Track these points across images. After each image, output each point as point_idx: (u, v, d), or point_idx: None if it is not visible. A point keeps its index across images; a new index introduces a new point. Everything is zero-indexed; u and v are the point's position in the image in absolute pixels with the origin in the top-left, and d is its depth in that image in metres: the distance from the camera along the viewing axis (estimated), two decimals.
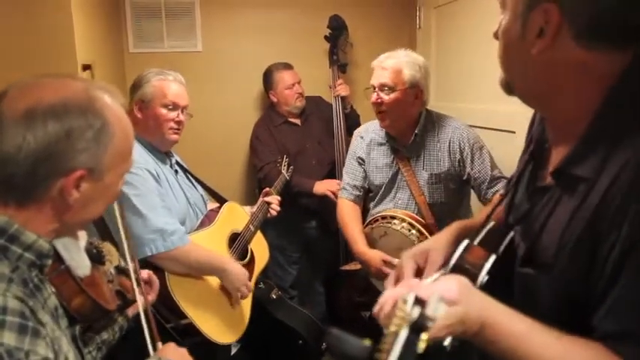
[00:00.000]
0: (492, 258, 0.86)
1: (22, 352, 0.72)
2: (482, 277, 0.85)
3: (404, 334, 0.57)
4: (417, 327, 0.58)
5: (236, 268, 1.86)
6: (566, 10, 0.72)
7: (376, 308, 0.76)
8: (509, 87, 0.88)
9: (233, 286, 1.85)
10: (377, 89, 1.99)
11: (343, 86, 2.94)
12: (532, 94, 0.86)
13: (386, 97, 1.96)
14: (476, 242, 0.93)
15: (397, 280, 1.02)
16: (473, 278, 0.84)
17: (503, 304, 0.75)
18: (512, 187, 0.96)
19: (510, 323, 0.73)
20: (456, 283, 0.74)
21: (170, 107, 1.81)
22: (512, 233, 0.92)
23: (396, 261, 1.90)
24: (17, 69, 1.99)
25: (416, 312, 0.59)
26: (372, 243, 2.05)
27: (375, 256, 1.98)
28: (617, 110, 0.74)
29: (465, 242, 0.90)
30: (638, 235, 0.67)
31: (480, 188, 1.99)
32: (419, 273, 1.02)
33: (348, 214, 2.16)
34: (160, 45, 3.10)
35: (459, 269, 0.89)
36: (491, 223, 0.97)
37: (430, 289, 0.70)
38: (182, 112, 1.85)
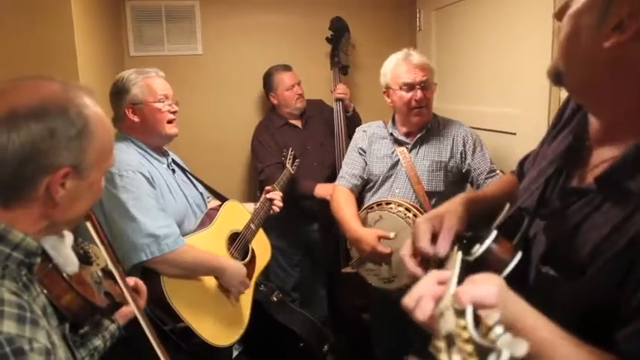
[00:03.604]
0: (518, 256, 0.84)
1: (25, 339, 0.73)
2: (505, 273, 0.83)
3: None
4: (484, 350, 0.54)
5: (232, 266, 1.86)
6: None
7: (409, 302, 0.72)
8: (559, 77, 0.83)
9: (230, 284, 1.86)
10: (417, 87, 2.03)
11: (342, 89, 2.93)
12: (586, 88, 0.81)
13: (428, 92, 2.05)
14: (494, 225, 0.92)
15: (414, 244, 1.00)
16: (499, 271, 0.83)
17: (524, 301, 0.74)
18: (544, 181, 0.92)
19: (535, 329, 0.70)
20: (495, 288, 0.69)
21: (163, 100, 1.83)
22: (525, 222, 0.91)
23: (392, 234, 1.89)
24: (18, 73, 2.00)
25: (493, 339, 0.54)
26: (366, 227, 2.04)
27: (369, 232, 1.96)
28: None
29: (494, 233, 0.87)
30: None
31: (477, 178, 2.04)
32: (434, 237, 1.01)
33: (344, 199, 2.17)
34: (160, 48, 3.11)
35: (485, 261, 0.86)
36: (507, 207, 0.95)
37: (470, 294, 0.65)
38: (172, 101, 1.88)
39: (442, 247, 0.97)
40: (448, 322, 0.60)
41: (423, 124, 2.10)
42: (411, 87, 2.02)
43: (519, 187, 1.08)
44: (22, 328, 0.74)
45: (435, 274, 0.76)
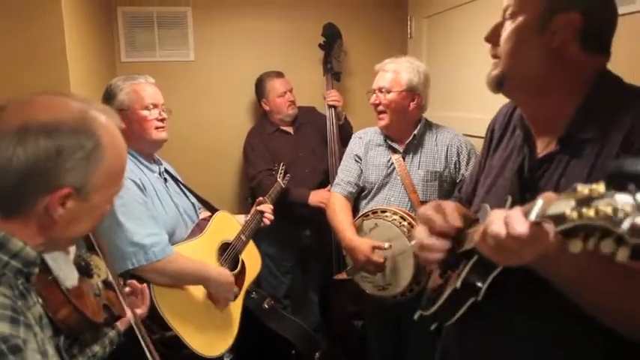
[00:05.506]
0: None
1: (20, 339, 0.73)
2: None
3: None
4: None
5: (220, 275, 1.85)
6: (587, 22, 0.90)
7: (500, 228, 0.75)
8: (501, 82, 1.00)
9: (218, 293, 1.85)
10: (376, 91, 2.10)
11: (335, 96, 2.94)
12: (528, 87, 0.99)
13: (383, 99, 2.07)
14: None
15: (430, 227, 1.05)
16: None
17: None
18: (517, 168, 1.05)
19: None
20: None
21: (150, 108, 1.81)
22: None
23: (386, 244, 1.92)
24: (8, 78, 1.99)
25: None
26: (361, 236, 2.04)
27: (364, 242, 1.98)
28: (601, 94, 0.93)
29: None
30: None
31: None
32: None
33: (339, 206, 2.17)
34: (152, 54, 3.10)
35: None
36: (509, 199, 0.99)
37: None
38: (161, 109, 1.86)
39: (455, 220, 1.04)
40: (562, 205, 0.63)
41: (386, 129, 2.13)
42: (374, 91, 2.11)
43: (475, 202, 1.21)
44: (15, 329, 0.74)
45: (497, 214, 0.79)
